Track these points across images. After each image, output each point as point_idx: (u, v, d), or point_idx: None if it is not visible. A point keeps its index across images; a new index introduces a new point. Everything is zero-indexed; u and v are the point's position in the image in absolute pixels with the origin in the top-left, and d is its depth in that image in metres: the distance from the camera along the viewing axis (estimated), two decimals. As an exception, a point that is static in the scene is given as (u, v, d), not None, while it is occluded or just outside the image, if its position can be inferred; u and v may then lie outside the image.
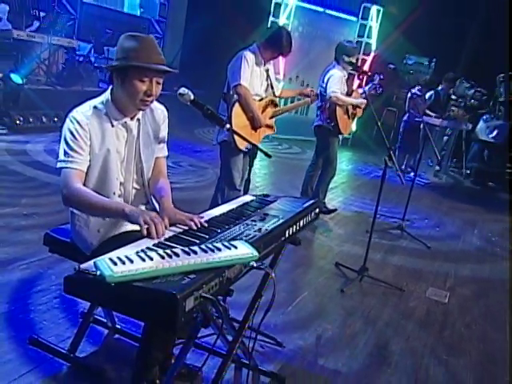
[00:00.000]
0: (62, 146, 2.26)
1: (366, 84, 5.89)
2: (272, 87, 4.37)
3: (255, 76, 4.18)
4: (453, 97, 9.28)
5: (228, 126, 2.57)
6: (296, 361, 3.01)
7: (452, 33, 11.38)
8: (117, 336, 2.89)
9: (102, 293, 1.64)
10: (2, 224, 4.07)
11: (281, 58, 8.26)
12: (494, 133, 9.55)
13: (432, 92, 8.91)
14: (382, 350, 3.31)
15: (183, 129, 8.56)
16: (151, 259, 1.69)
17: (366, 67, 10.26)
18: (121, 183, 2.39)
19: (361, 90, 5.63)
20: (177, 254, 1.75)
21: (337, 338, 3.35)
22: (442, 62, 11.42)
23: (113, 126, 2.33)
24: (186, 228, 2.13)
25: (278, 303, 3.46)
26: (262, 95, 4.30)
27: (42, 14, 9.57)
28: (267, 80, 4.33)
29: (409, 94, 8.65)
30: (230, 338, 2.49)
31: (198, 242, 1.96)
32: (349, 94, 5.45)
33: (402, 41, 11.39)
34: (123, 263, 1.64)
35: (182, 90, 2.38)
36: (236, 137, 4.09)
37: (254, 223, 2.28)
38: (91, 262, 1.69)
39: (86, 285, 1.67)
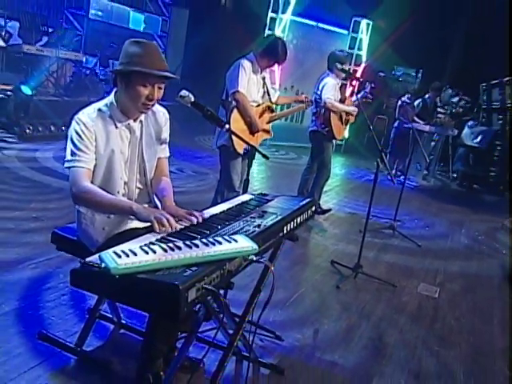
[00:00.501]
0: (69, 146, 2.24)
1: (358, 92, 5.88)
2: (268, 94, 4.35)
3: (252, 83, 4.16)
4: (439, 104, 9.30)
5: (227, 126, 2.54)
6: (294, 353, 2.97)
7: (437, 45, 11.41)
8: (122, 331, 2.85)
9: (107, 285, 1.61)
10: (12, 226, 4.04)
11: (277, 69, 8.28)
12: (479, 138, 9.56)
13: (420, 100, 8.93)
14: (377, 342, 3.28)
15: (184, 136, 8.54)
16: (154, 252, 1.66)
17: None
18: (125, 182, 2.37)
19: (353, 98, 5.63)
20: (179, 248, 1.72)
21: (333, 331, 3.31)
22: (429, 72, 11.44)
23: (117, 127, 2.30)
24: (188, 224, 2.10)
25: (277, 299, 3.44)
26: (258, 101, 4.28)
27: (50, 29, 9.65)
28: (264, 87, 4.31)
29: (399, 102, 8.65)
30: (230, 332, 2.46)
31: (199, 237, 1.93)
32: (342, 101, 5.44)
33: (391, 53, 11.41)
34: (127, 256, 1.61)
35: (183, 92, 2.36)
36: (234, 141, 4.09)
37: (253, 220, 2.25)
38: (96, 256, 1.66)
39: (92, 277, 1.64)
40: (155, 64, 2.20)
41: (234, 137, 4.05)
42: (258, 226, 2.15)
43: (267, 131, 4.38)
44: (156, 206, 2.49)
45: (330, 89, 5.22)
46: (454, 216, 7.14)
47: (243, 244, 1.82)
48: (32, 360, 2.43)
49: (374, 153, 4.26)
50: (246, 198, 2.72)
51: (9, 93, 7.21)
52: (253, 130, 4.15)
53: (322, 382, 2.75)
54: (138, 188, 2.44)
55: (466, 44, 11.48)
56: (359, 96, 5.45)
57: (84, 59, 10.02)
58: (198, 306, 2.12)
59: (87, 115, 2.25)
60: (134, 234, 2.02)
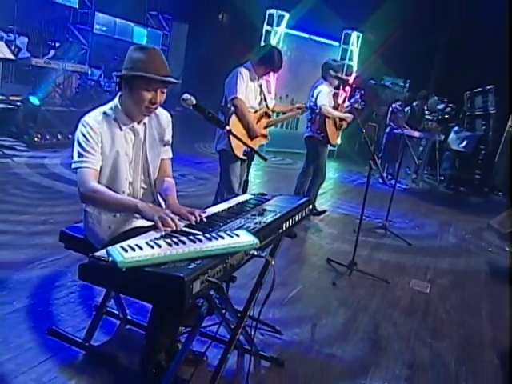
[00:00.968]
0: (76, 148, 2.21)
1: (349, 99, 5.88)
2: (265, 100, 4.33)
3: (250, 90, 4.14)
4: (426, 111, 9.30)
5: (228, 127, 2.52)
6: (293, 346, 2.94)
7: (423, 56, 11.47)
8: (128, 326, 2.82)
9: (114, 278, 1.58)
10: (21, 229, 4.00)
11: (272, 79, 8.27)
12: (464, 143, 9.58)
13: (408, 108, 8.94)
14: (372, 335, 3.25)
15: (184, 143, 8.50)
16: (159, 246, 1.63)
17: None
18: (129, 183, 2.34)
19: (346, 104, 5.62)
20: (183, 242, 1.69)
21: (330, 325, 3.28)
22: (416, 81, 11.46)
23: (121, 130, 2.28)
24: (191, 222, 2.07)
25: (276, 296, 3.41)
26: (256, 108, 4.26)
27: (57, 44, 9.65)
28: (261, 94, 4.29)
29: (390, 109, 8.66)
30: (231, 326, 2.43)
31: (202, 233, 1.90)
32: (335, 108, 5.43)
33: (380, 63, 11.45)
34: (133, 250, 1.59)
35: (185, 95, 2.33)
36: (233, 145, 4.07)
37: (253, 217, 2.23)
38: (103, 251, 1.63)
39: (99, 271, 1.62)
40: (158, 69, 2.18)
41: (232, 141, 4.05)
42: (259, 222, 2.13)
43: (265, 136, 4.37)
44: (160, 205, 2.46)
45: (325, 96, 5.22)
46: (443, 216, 7.12)
47: (245, 238, 1.79)
48: (42, 354, 2.40)
49: (365, 158, 4.26)
50: (245, 197, 2.70)
51: (18, 103, 7.19)
52: (251, 134, 4.13)
53: (320, 373, 2.72)
54: (143, 188, 2.41)
55: (450, 55, 11.53)
56: (352, 101, 5.45)
57: (89, 71, 10.03)
58: (201, 301, 2.11)
59: (93, 118, 2.22)
60: (138, 232, 1.99)
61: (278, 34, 9.53)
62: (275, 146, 9.27)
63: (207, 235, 1.76)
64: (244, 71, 4.08)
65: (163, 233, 1.88)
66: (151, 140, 2.39)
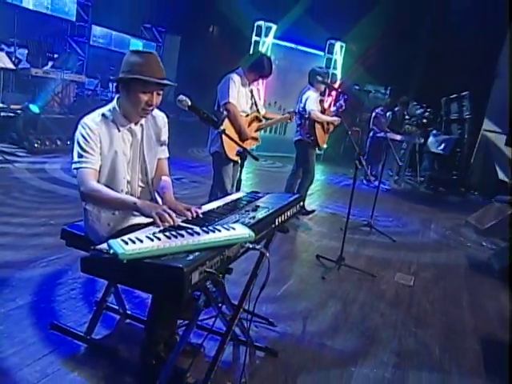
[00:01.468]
0: (76, 149, 2.18)
1: (334, 105, 5.87)
2: (256, 105, 4.32)
3: (241, 95, 4.12)
4: (407, 116, 9.34)
5: (222, 127, 2.50)
6: (286, 338, 2.92)
7: (403, 64, 11.54)
8: (128, 321, 2.79)
9: (115, 270, 1.56)
10: (23, 230, 3.94)
11: (261, 86, 8.25)
12: (442, 146, 9.64)
13: (390, 113, 8.98)
14: (360, 325, 3.24)
15: (178, 148, 8.45)
16: (159, 239, 1.61)
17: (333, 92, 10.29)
18: (128, 182, 2.31)
19: (332, 109, 5.62)
20: (182, 235, 1.67)
21: (320, 317, 3.27)
22: (396, 88, 11.55)
23: (119, 130, 2.25)
24: (188, 217, 2.05)
25: (268, 290, 3.36)
26: (247, 112, 4.24)
27: (55, 55, 9.59)
28: (251, 99, 4.28)
29: (373, 113, 8.69)
30: (227, 319, 2.41)
31: (199, 227, 1.88)
32: (322, 112, 5.44)
33: (362, 71, 11.52)
34: (134, 243, 1.56)
35: (181, 97, 2.31)
36: (226, 147, 4.05)
37: (247, 213, 2.21)
38: (105, 244, 1.60)
39: (101, 263, 1.59)
40: (154, 72, 2.16)
41: (225, 144, 4.03)
42: (253, 217, 2.11)
43: (255, 138, 4.35)
44: (157, 203, 2.44)
45: (313, 101, 5.23)
46: (424, 214, 7.15)
47: (241, 231, 1.78)
48: (45, 348, 2.37)
49: (350, 161, 4.27)
50: (239, 195, 2.68)
51: (18, 111, 7.12)
52: (242, 137, 4.11)
53: (312, 362, 2.70)
54: (140, 186, 2.38)
55: (428, 64, 11.63)
56: (337, 105, 5.46)
57: (86, 81, 9.97)
58: (198, 294, 2.08)
59: (92, 120, 2.20)
60: (136, 229, 1.96)
61: (266, 44, 9.54)
62: (265, 151, 9.26)
63: (204, 229, 1.74)
64: (236, 77, 4.07)
65: (162, 227, 1.86)
66: (148, 140, 2.37)
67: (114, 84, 2.28)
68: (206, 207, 2.31)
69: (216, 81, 4.26)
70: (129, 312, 2.82)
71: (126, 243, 1.54)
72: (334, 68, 10.74)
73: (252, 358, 2.64)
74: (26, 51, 9.09)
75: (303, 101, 5.29)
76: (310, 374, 2.58)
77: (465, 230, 6.53)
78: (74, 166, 2.19)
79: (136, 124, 2.30)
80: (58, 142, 6.99)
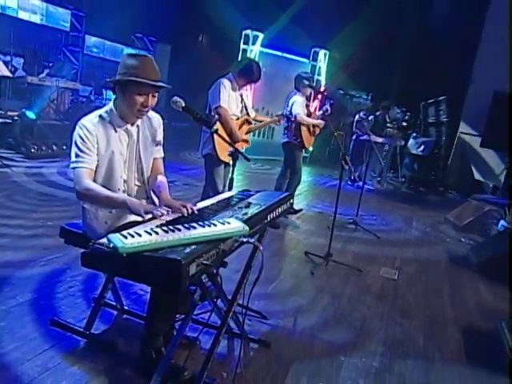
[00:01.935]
0: (73, 149, 2.16)
1: (320, 109, 5.89)
2: (246, 108, 4.32)
3: (232, 99, 4.12)
4: (388, 120, 9.40)
5: (215, 127, 2.50)
6: (278, 330, 2.92)
7: (384, 71, 11.65)
8: (125, 316, 2.77)
9: (115, 263, 1.55)
10: (22, 231, 3.89)
11: (249, 92, 8.25)
12: (422, 147, 9.71)
13: (372, 116, 9.03)
14: (348, 317, 3.25)
15: (171, 152, 8.38)
16: (157, 233, 1.61)
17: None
18: (124, 181, 2.30)
19: (319, 113, 5.64)
20: (179, 229, 1.66)
21: (310, 310, 3.27)
22: (377, 93, 11.61)
23: (116, 131, 2.24)
24: (185, 213, 2.04)
25: (260, 285, 3.34)
26: (238, 115, 4.24)
27: (50, 63, 9.50)
28: (242, 103, 4.28)
29: (356, 117, 8.73)
30: (222, 312, 2.40)
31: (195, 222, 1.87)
32: (308, 116, 5.45)
33: (345, 78, 11.58)
34: (132, 237, 1.55)
35: (175, 98, 2.30)
36: (217, 150, 4.04)
37: (240, 209, 2.21)
38: (104, 239, 1.59)
39: (101, 257, 1.57)
40: (149, 75, 2.15)
41: (217, 146, 4.02)
42: (246, 213, 2.11)
43: (246, 141, 4.34)
44: (153, 201, 2.43)
45: (299, 105, 5.24)
46: (405, 213, 7.19)
47: (236, 225, 1.77)
48: (46, 343, 2.34)
49: (335, 163, 4.28)
50: (232, 193, 2.68)
51: (15, 118, 7.04)
52: (233, 139, 4.09)
53: (303, 353, 2.70)
54: (137, 185, 2.37)
55: (407, 70, 11.74)
56: (323, 109, 5.48)
57: (80, 88, 9.89)
58: (194, 288, 2.07)
59: (89, 121, 2.18)
60: (132, 226, 1.94)
61: (254, 52, 9.56)
62: (254, 154, 9.23)
63: (200, 223, 1.73)
64: (226, 82, 4.06)
65: (158, 223, 1.85)
66: (144, 140, 2.35)
67: (112, 86, 2.26)
68: (201, 204, 2.30)
69: (205, 87, 4.25)
70: (126, 308, 2.79)
71: (126, 237, 1.53)
72: (319, 74, 10.79)
73: (246, 349, 2.63)
74: (22, 60, 8.99)
75: (290, 105, 5.31)
76: (301, 364, 2.58)
77: (444, 227, 6.58)
78: (71, 165, 2.17)
79: (132, 125, 2.29)
80: (54, 147, 6.93)
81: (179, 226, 1.68)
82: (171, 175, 6.98)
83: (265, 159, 9.99)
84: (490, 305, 3.94)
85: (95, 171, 2.19)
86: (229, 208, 2.23)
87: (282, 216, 2.57)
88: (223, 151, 4.05)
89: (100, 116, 2.22)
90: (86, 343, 2.40)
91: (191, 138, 9.69)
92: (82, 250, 1.66)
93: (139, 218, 2.13)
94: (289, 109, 5.31)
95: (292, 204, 2.77)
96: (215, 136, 3.97)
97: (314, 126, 5.51)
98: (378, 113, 9.15)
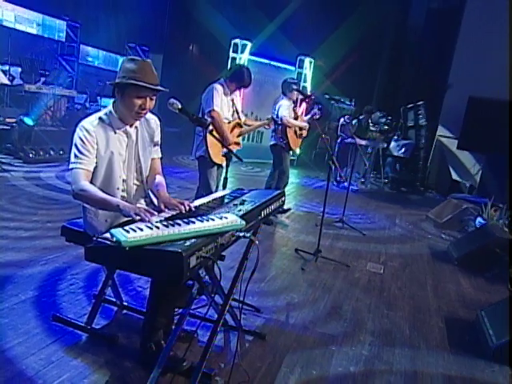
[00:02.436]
0: (73, 150, 2.14)
1: (308, 113, 5.91)
2: (237, 112, 4.32)
3: (224, 103, 4.12)
4: (371, 124, 9.47)
5: (211, 127, 2.49)
6: (272, 322, 2.92)
7: (366, 78, 11.76)
8: (124, 311, 2.75)
9: (118, 257, 1.53)
10: (22, 232, 3.84)
11: (239, 97, 8.27)
12: (403, 150, 9.80)
13: (356, 120, 9.09)
14: (338, 309, 3.26)
15: (164, 156, 8.36)
16: (158, 228, 1.60)
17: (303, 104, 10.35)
18: (123, 180, 2.28)
19: (306, 118, 5.66)
20: (179, 224, 1.65)
21: (302, 303, 3.28)
22: (360, 99, 11.70)
23: (115, 132, 2.23)
24: (183, 210, 2.03)
25: (253, 280, 3.36)
26: (229, 119, 4.24)
27: (47, 72, 9.40)
28: (233, 107, 4.28)
29: (341, 121, 8.78)
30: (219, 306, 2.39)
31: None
32: (295, 119, 5.47)
33: (329, 84, 11.66)
34: (134, 231, 1.54)
35: (171, 100, 2.29)
36: (210, 152, 4.04)
37: (235, 206, 2.21)
38: (107, 234, 1.57)
39: (104, 251, 1.56)
40: (148, 78, 2.14)
41: (210, 149, 4.01)
42: (241, 210, 2.11)
43: (238, 143, 4.35)
44: (151, 201, 2.42)
45: (285, 108, 5.25)
46: (389, 211, 7.24)
47: (233, 220, 1.77)
48: (49, 338, 2.31)
49: (320, 165, 4.29)
50: (226, 192, 2.67)
51: (14, 124, 6.95)
52: (226, 142, 4.09)
53: (296, 343, 2.71)
54: (136, 185, 2.35)
55: (389, 77, 11.87)
56: (312, 112, 5.51)
57: (76, 96, 9.81)
58: (191, 283, 2.07)
59: (90, 123, 2.17)
60: (131, 223, 1.93)
61: (242, 60, 9.55)
62: (245, 157, 9.14)
63: (199, 218, 1.73)
64: (218, 87, 4.07)
65: (158, 219, 1.84)
66: (142, 141, 2.34)
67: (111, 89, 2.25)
68: (197, 202, 2.29)
69: (196, 94, 4.26)
70: (125, 303, 2.77)
71: (128, 232, 1.52)
72: (304, 81, 10.83)
73: (242, 341, 2.63)
74: (20, 69, 8.89)
75: (277, 108, 5.32)
76: (295, 354, 2.58)
77: (425, 224, 6.63)
78: (70, 166, 2.15)
79: (131, 126, 2.28)
80: (52, 152, 6.84)
81: (179, 221, 1.67)
82: (166, 178, 6.95)
83: (255, 162, 10.00)
84: (469, 295, 3.99)
85: (95, 171, 2.17)
86: (224, 205, 2.22)
87: (274, 212, 2.57)
88: (216, 153, 4.05)
89: (100, 118, 2.21)
90: (88, 337, 2.38)
91: (183, 143, 9.67)
92: (84, 247, 1.64)
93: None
94: (276, 112, 5.32)
95: (284, 202, 2.78)
96: (208, 138, 3.97)
97: (300, 128, 5.53)
98: (361, 117, 9.21)
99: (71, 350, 2.23)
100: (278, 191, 2.73)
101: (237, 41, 9.60)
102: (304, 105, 9.88)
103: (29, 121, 6.92)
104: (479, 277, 4.49)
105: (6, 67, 8.38)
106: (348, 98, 12.19)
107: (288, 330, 2.85)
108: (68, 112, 9.19)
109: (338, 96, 11.89)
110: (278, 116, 5.27)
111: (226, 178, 2.79)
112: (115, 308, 2.74)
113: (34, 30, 9.76)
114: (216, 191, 4.20)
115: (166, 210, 2.07)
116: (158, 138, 2.45)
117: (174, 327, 2.30)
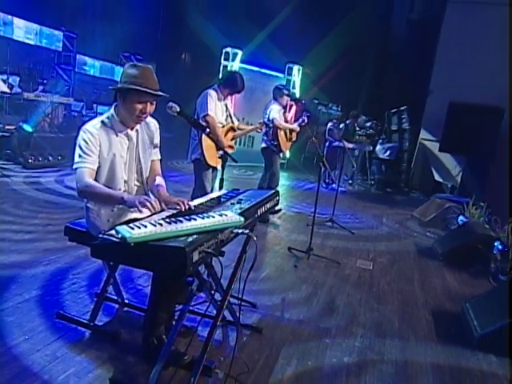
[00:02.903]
0: (77, 151, 2.14)
1: (297, 120, 5.93)
2: (231, 117, 4.33)
3: (218, 108, 4.13)
4: (357, 128, 9.54)
5: (208, 130, 2.50)
6: (268, 317, 2.93)
7: (352, 84, 11.85)
8: (126, 309, 2.73)
9: (123, 253, 1.53)
10: (24, 235, 3.80)
11: (230, 103, 8.28)
12: (388, 152, 9.88)
13: (343, 124, 9.15)
14: (330, 304, 3.28)
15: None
16: (161, 225, 1.60)
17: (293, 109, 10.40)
18: (125, 181, 2.28)
19: (294, 125, 5.68)
20: (181, 221, 1.66)
21: (295, 299, 3.29)
22: (347, 104, 11.78)
23: (117, 135, 2.23)
24: (182, 209, 2.04)
25: (249, 278, 3.36)
26: (223, 123, 4.25)
27: (45, 81, 9.37)
28: (226, 112, 4.29)
29: (328, 125, 8.83)
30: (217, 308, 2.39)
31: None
32: (286, 122, 5.50)
33: (317, 91, 11.73)
34: (139, 228, 1.54)
35: (170, 104, 2.30)
36: (206, 155, 4.04)
37: (232, 205, 2.22)
38: (112, 231, 1.57)
39: (109, 248, 1.56)
40: (148, 84, 2.15)
41: (205, 152, 4.02)
42: (238, 208, 2.12)
43: (231, 146, 4.36)
44: (152, 201, 2.41)
45: (276, 112, 5.29)
46: (376, 211, 7.29)
47: (232, 217, 1.78)
48: (53, 335, 2.30)
49: (310, 168, 4.31)
50: (222, 191, 2.68)
51: (13, 131, 6.89)
52: (220, 145, 4.06)
53: (292, 336, 2.71)
54: (136, 185, 2.36)
55: (374, 83, 11.99)
56: (300, 120, 5.55)
57: (73, 103, 9.76)
58: (191, 280, 2.06)
59: (93, 126, 2.17)
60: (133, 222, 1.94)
61: (234, 67, 9.59)
62: (238, 161, 9.25)
63: (200, 215, 1.73)
64: (212, 92, 4.08)
65: (160, 217, 1.84)
66: (143, 144, 2.35)
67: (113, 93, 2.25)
68: (195, 202, 2.30)
69: (189, 101, 4.26)
70: (127, 301, 2.76)
71: (132, 228, 1.52)
72: (293, 88, 10.87)
73: (240, 335, 2.63)
74: (18, 78, 8.85)
75: (267, 112, 5.35)
76: (290, 346, 2.59)
77: (411, 223, 6.69)
78: (74, 166, 2.15)
79: (132, 129, 2.28)
80: (50, 158, 6.78)
81: (181, 218, 1.68)
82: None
83: (247, 165, 10.01)
84: (454, 289, 4.03)
85: (98, 172, 2.17)
86: (222, 204, 2.23)
87: (270, 211, 2.58)
88: (211, 156, 4.06)
89: (102, 122, 2.21)
90: (91, 334, 2.36)
91: (177, 148, 9.64)
92: (90, 244, 1.64)
93: (139, 215, 2.12)
94: (267, 116, 5.34)
95: (278, 201, 2.79)
96: (203, 142, 3.97)
97: (290, 131, 5.56)
98: (348, 121, 9.27)
99: (75, 346, 2.22)
100: (273, 191, 2.74)
101: (228, 49, 9.63)
102: (293, 110, 9.93)
103: (28, 128, 6.87)
104: (463, 271, 4.53)
105: (5, 76, 8.32)
106: (335, 103, 12.28)
107: (284, 324, 2.86)
108: (65, 119, 9.16)
109: (325, 102, 12.05)
110: (269, 119, 5.29)
111: (222, 179, 2.80)
112: (117, 305, 2.73)
113: (31, 41, 9.70)
114: (211, 193, 4.20)
115: (167, 209, 2.07)
116: (157, 141, 2.45)
117: (174, 323, 2.31)
